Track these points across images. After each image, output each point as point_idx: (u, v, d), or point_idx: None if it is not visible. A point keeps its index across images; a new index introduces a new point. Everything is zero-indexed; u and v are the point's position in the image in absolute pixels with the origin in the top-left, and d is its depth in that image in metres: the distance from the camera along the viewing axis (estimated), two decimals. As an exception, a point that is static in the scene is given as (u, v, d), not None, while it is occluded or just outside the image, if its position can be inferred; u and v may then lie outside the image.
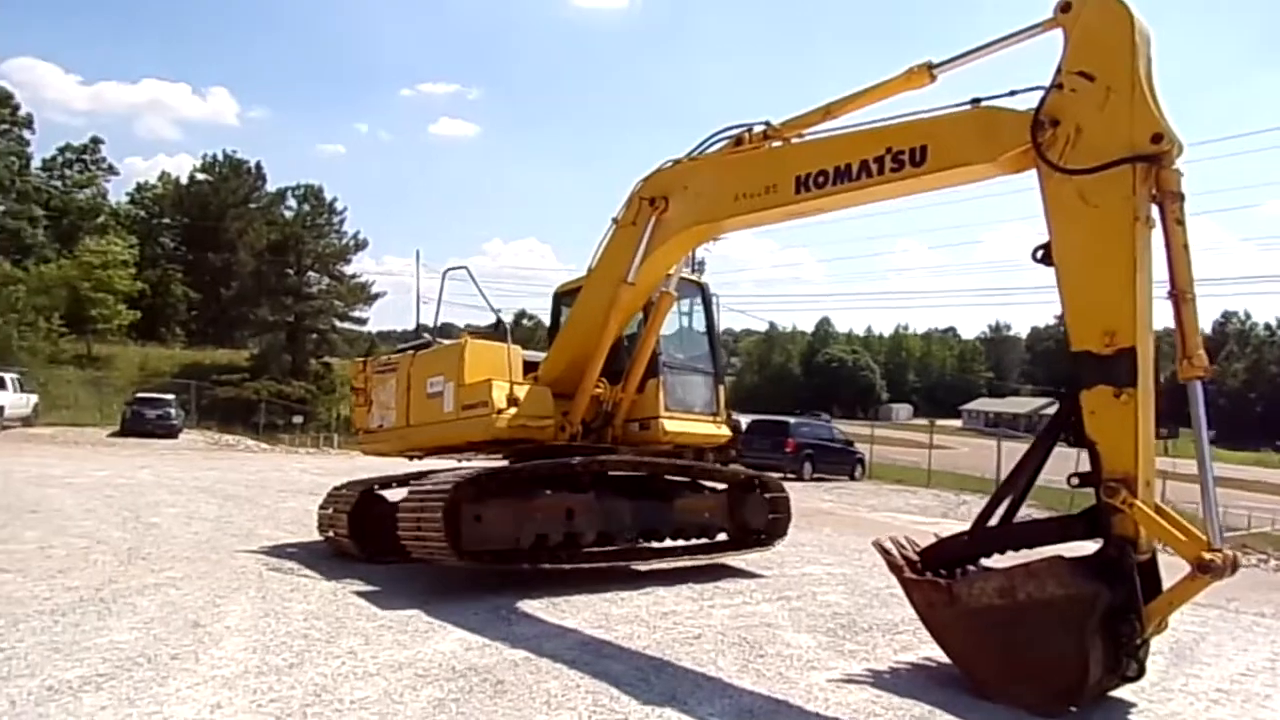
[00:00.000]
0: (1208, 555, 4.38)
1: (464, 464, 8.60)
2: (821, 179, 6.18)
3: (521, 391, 7.78)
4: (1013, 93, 5.31)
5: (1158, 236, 4.85)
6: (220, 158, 64.22)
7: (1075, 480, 4.94)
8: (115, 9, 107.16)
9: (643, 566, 8.27)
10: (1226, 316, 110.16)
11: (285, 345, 53.90)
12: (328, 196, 58.00)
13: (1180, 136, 4.88)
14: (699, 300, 9.07)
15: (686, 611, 6.69)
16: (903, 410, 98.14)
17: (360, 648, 5.17)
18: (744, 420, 29.16)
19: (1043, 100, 5.06)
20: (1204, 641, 6.82)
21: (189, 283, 61.74)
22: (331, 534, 8.35)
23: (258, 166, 63.55)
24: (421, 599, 6.48)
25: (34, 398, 28.74)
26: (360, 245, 58.81)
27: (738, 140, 6.93)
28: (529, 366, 8.36)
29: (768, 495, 8.68)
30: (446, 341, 8.59)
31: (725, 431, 8.98)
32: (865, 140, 5.98)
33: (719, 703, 4.52)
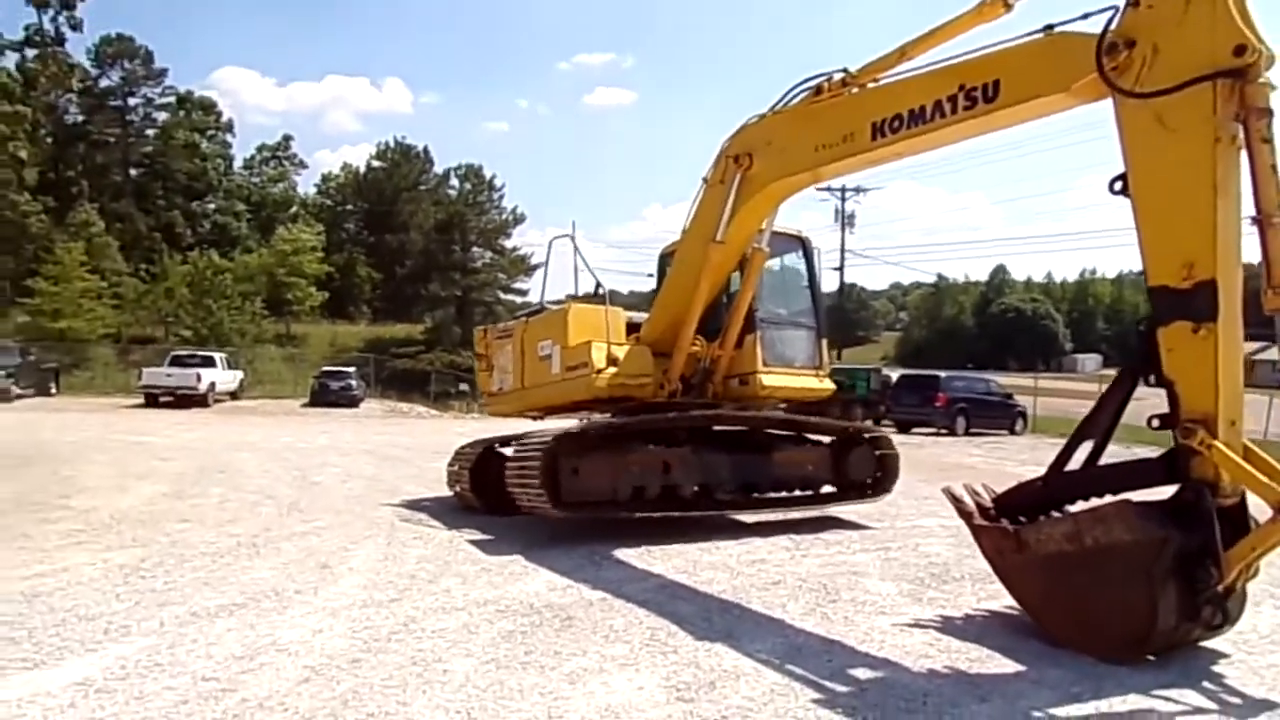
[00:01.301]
0: (1290, 499, 4.10)
1: (576, 420, 9.06)
2: (897, 123, 6.06)
3: (621, 351, 8.12)
4: (1086, 15, 5.00)
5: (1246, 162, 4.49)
6: (392, 144, 68.53)
7: (1156, 422, 4.69)
8: (300, 13, 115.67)
9: (749, 518, 8.48)
10: None
11: (455, 318, 57.21)
12: (487, 174, 60.62)
13: (1271, 46, 4.48)
14: (800, 254, 9.03)
15: (776, 560, 6.85)
16: (1090, 361, 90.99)
17: (456, 587, 5.73)
18: (893, 375, 28.46)
19: (1110, 20, 4.77)
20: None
21: (371, 263, 66.58)
22: (458, 489, 9.08)
23: (425, 150, 67.37)
24: (525, 546, 7.00)
25: (240, 374, 32.30)
26: (519, 219, 61.36)
27: (817, 90, 6.85)
28: (633, 328, 8.68)
29: (874, 448, 8.61)
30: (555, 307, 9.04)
31: (828, 385, 8.95)
32: (938, 79, 5.82)
33: (771, 640, 4.71)
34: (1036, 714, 3.79)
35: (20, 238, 52.58)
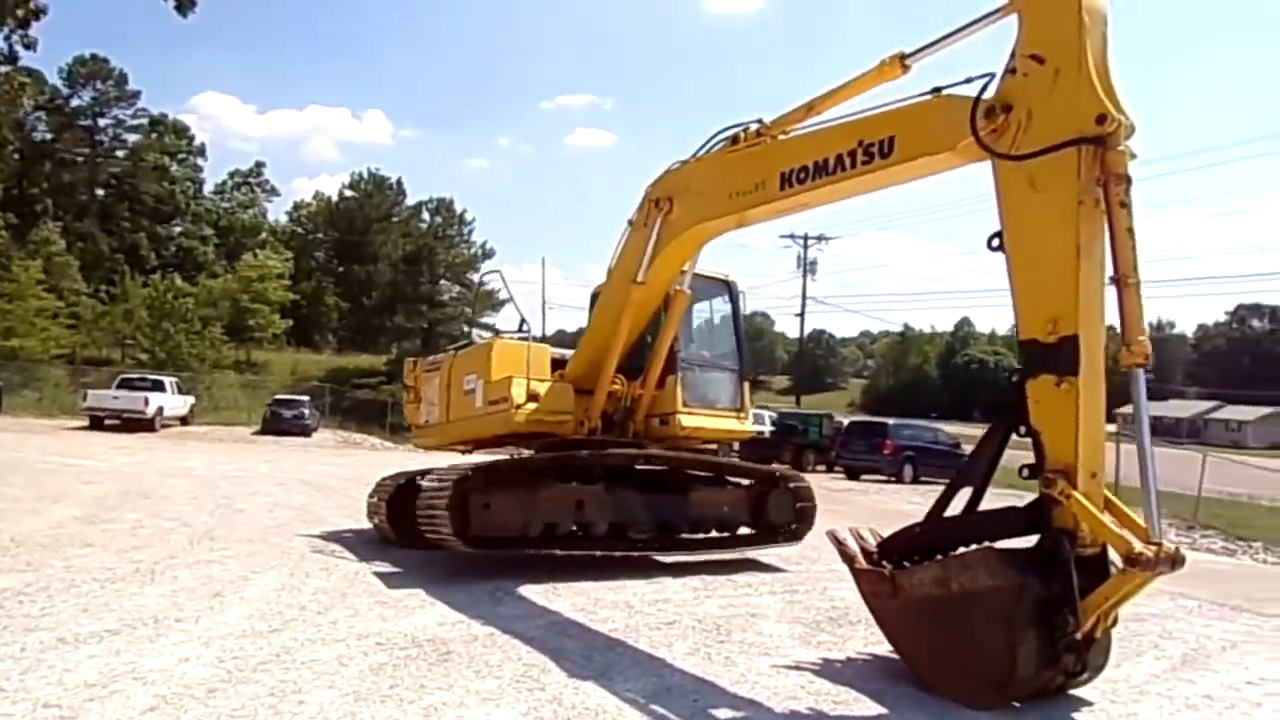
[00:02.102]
0: (1137, 548, 4.22)
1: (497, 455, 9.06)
2: (803, 174, 6.25)
3: (543, 388, 8.18)
4: (969, 80, 5.22)
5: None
6: (365, 175, 68.71)
7: (1026, 472, 4.83)
8: (286, 40, 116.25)
9: (666, 558, 8.51)
10: None
11: (420, 350, 56.91)
12: (458, 208, 60.86)
13: (1131, 116, 4.72)
14: (726, 298, 9.18)
15: (679, 600, 6.87)
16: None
17: (344, 619, 5.68)
18: (844, 421, 28.72)
19: (984, 86, 5.02)
20: (1234, 649, 6.39)
21: (339, 293, 66.33)
22: (375, 520, 9.02)
23: (398, 182, 67.68)
24: (430, 580, 6.96)
25: (191, 399, 31.81)
26: (487, 254, 61.59)
27: (734, 139, 7.04)
28: (559, 365, 8.74)
29: (792, 492, 8.69)
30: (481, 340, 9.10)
31: (748, 427, 9.07)
32: (839, 134, 6.03)
33: (644, 680, 4.72)
34: (879, 757, 3.84)
35: (-22, 254, 51.78)
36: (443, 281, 58.70)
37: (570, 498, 7.55)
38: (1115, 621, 4.71)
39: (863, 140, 5.80)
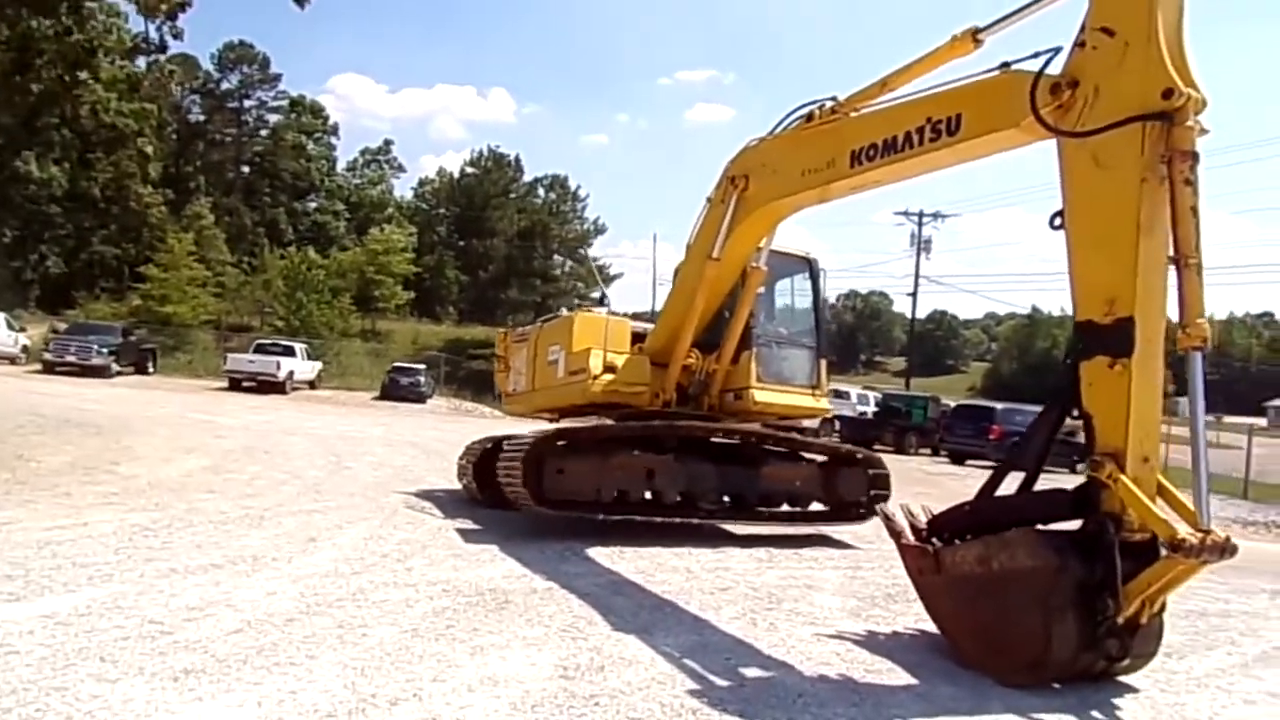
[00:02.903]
0: (1181, 534, 4.14)
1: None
2: (872, 151, 6.25)
3: (620, 360, 8.47)
4: (1036, 54, 5.13)
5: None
6: (485, 152, 70.76)
7: (1076, 457, 4.77)
8: (415, 23, 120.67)
9: (738, 530, 8.70)
10: None
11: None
12: (572, 184, 61.87)
13: (1203, 90, 4.54)
14: (807, 275, 9.19)
15: (740, 569, 7.05)
16: (1186, 404, 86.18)
17: (421, 567, 6.16)
18: (950, 404, 27.86)
19: (1046, 63, 4.93)
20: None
21: (459, 266, 68.82)
22: (464, 482, 9.56)
23: (516, 159, 69.42)
24: (506, 537, 7.39)
25: (318, 364, 33.96)
26: (599, 230, 62.55)
27: (809, 117, 7.07)
28: (640, 338, 9.01)
29: (868, 469, 8.69)
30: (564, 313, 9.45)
31: (824, 405, 9.09)
32: (908, 111, 6.00)
33: (684, 637, 4.95)
34: (895, 718, 3.95)
35: (141, 227, 56.52)
36: (556, 256, 60.07)
37: (641, 466, 7.82)
38: (1163, 609, 4.61)
39: (931, 117, 5.77)
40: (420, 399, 31.34)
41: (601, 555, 7.04)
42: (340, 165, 73.32)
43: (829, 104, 6.88)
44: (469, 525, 7.97)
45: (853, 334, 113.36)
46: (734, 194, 7.70)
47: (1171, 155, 4.43)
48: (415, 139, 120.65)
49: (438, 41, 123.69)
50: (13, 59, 12.23)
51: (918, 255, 38.12)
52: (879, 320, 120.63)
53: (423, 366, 34.82)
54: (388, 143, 76.10)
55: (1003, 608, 4.62)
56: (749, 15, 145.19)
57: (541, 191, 63.43)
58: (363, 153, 75.59)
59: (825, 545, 8.45)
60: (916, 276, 39.61)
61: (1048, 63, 4.92)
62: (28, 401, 16.88)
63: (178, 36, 15.31)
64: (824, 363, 9.08)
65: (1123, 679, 4.80)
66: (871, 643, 5.19)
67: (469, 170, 71.14)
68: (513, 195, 67.80)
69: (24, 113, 18.07)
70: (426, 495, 9.72)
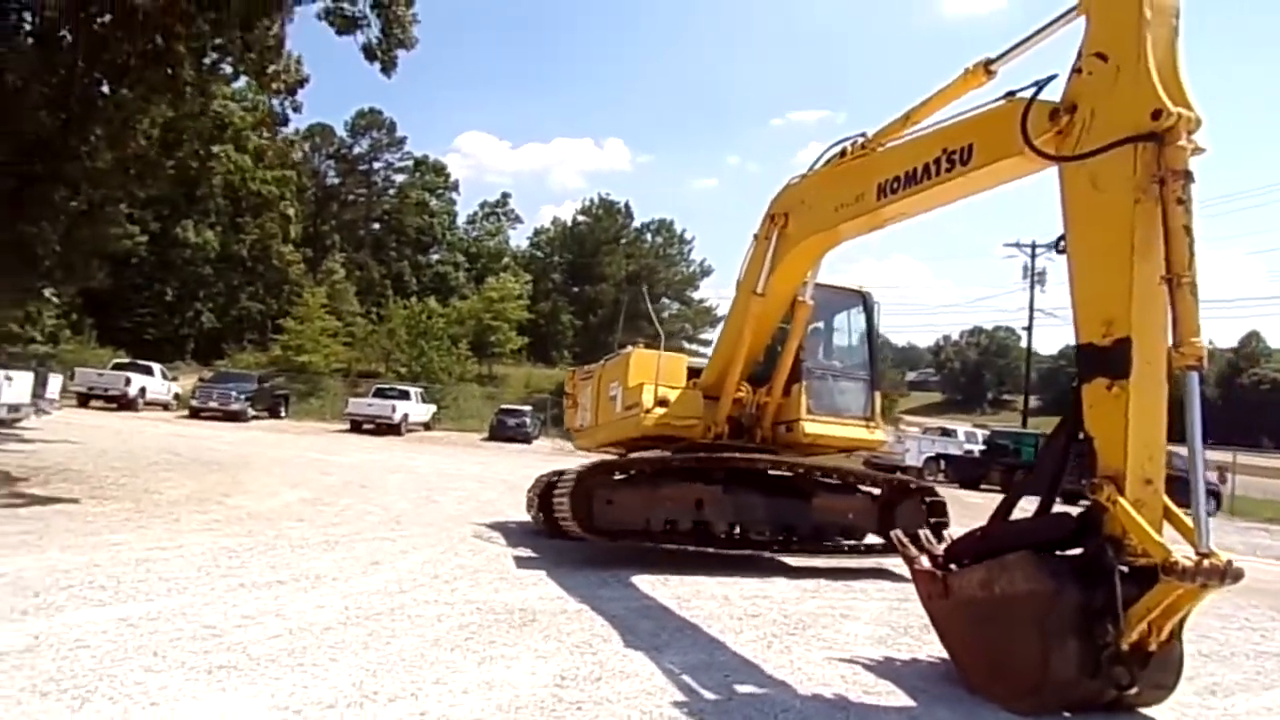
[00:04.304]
0: (1174, 558, 4.07)
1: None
2: (895, 184, 6.41)
3: (674, 394, 8.75)
4: (1035, 83, 5.22)
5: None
6: (596, 200, 72.90)
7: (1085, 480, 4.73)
8: (534, 81, 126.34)
9: (794, 562, 8.75)
10: None
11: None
12: (678, 229, 62.87)
13: (1198, 110, 4.52)
14: (860, 309, 9.25)
15: (780, 598, 7.13)
16: (1367, 441, 78.26)
17: (465, 588, 6.57)
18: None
19: (1037, 91, 5.04)
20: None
21: (573, 311, 70.80)
22: (531, 513, 9.99)
23: (626, 205, 71.22)
24: (557, 564, 7.73)
25: (432, 407, 35.65)
26: (706, 272, 63.04)
27: (842, 153, 7.26)
28: (694, 373, 9.28)
29: (924, 499, 8.59)
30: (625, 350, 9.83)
31: (878, 436, 9.04)
32: (926, 144, 6.15)
33: (692, 656, 5.13)
34: (876, 739, 4.02)
35: (282, 283, 61.09)
36: (664, 299, 61.02)
37: (691, 497, 8.03)
38: (1174, 637, 4.47)
39: (946, 148, 5.90)
40: (526, 439, 32.34)
41: (644, 582, 7.27)
42: (461, 219, 77.22)
43: (859, 140, 7.06)
44: (526, 553, 8.36)
45: (978, 372, 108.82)
46: (775, 231, 7.93)
47: (1164, 175, 4.43)
48: (536, 191, 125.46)
49: (556, 98, 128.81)
50: (158, 142, 13.81)
51: (1031, 288, 36.58)
52: (1005, 358, 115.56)
53: (528, 409, 35.94)
54: (505, 196, 79.67)
55: (1003, 632, 4.60)
56: (861, 54, 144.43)
57: (649, 236, 64.81)
58: (481, 206, 79.36)
59: (880, 578, 8.38)
60: (1031, 310, 37.97)
61: (1038, 91, 5.02)
62: (168, 443, 18.61)
63: (297, 110, 16.92)
64: (878, 395, 9.07)
65: (1145, 711, 4.67)
66: (883, 668, 5.21)
67: (580, 219, 73.45)
68: (623, 241, 69.44)
69: (177, 186, 20.07)
70: (499, 526, 10.20)
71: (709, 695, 4.42)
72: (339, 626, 5.17)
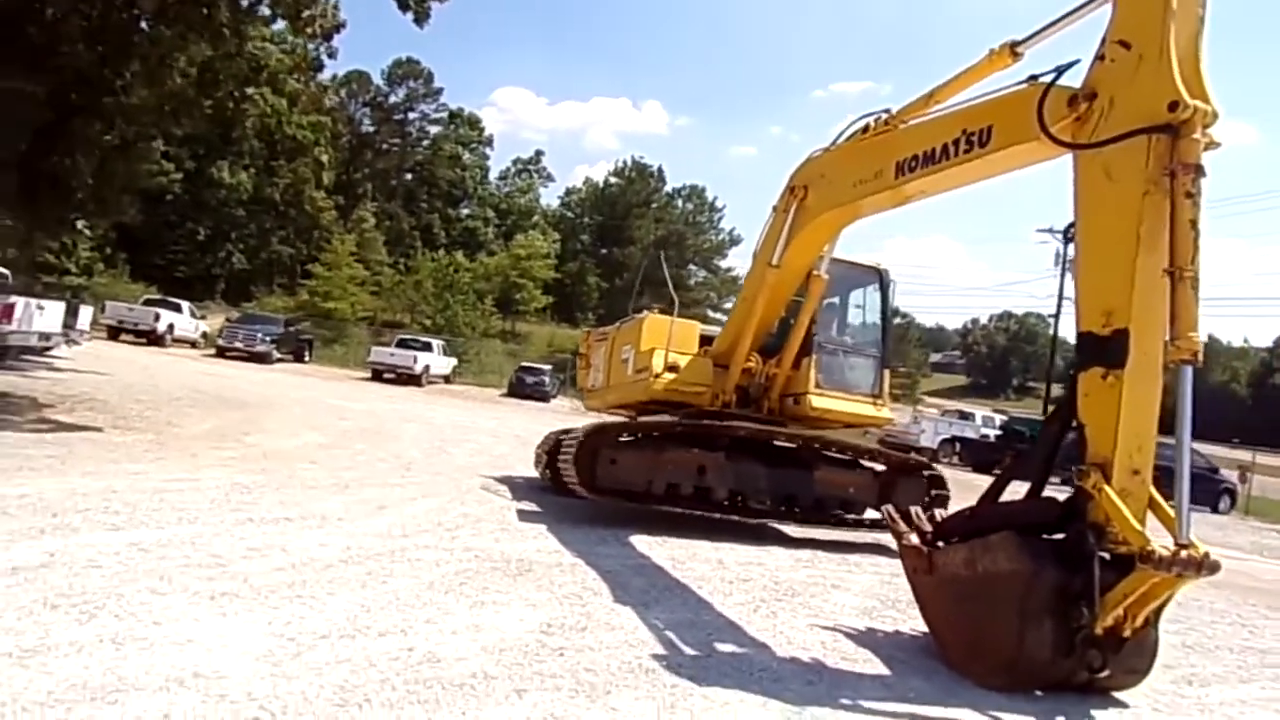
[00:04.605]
0: (1151, 546, 4.14)
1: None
2: (914, 163, 6.40)
3: (684, 361, 8.84)
4: (1057, 68, 5.19)
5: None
6: (629, 163, 72.50)
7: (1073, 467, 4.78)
8: (574, 38, 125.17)
9: (795, 533, 8.89)
10: None
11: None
12: (709, 196, 62.51)
13: (1215, 104, 4.49)
14: (876, 286, 9.25)
15: (774, 565, 7.26)
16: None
17: (466, 536, 6.75)
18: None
19: (1056, 76, 5.03)
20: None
21: (600, 273, 70.84)
22: (539, 469, 10.17)
23: (659, 170, 70.80)
24: (559, 520, 7.90)
25: (454, 360, 36.07)
26: (735, 241, 62.77)
27: (865, 129, 7.24)
28: (706, 341, 9.35)
29: (924, 478, 8.66)
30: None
31: (885, 414, 9.08)
32: (946, 124, 6.14)
33: (678, 614, 5.27)
34: (844, 700, 4.14)
35: (313, 229, 61.57)
36: (691, 266, 60.89)
37: (693, 462, 8.15)
38: (1148, 623, 4.54)
39: (965, 129, 5.89)
40: (544, 398, 32.68)
41: (641, 542, 7.42)
42: (493, 174, 77.17)
43: (883, 116, 7.03)
44: (530, 507, 8.55)
45: (1004, 357, 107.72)
46: (794, 203, 7.94)
47: (1175, 168, 4.41)
48: (570, 150, 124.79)
49: (596, 56, 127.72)
50: (194, 81, 13.94)
51: (1061, 274, 35.94)
52: (1034, 344, 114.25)
53: (548, 368, 36.23)
54: (538, 153, 79.58)
55: (983, 609, 4.69)
56: (908, 24, 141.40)
57: (680, 202, 64.51)
58: (514, 162, 79.21)
59: (876, 553, 8.48)
60: (1060, 297, 37.37)
61: (1057, 77, 5.00)
62: (193, 380, 19.00)
63: (333, 56, 17.00)
64: (887, 372, 9.10)
65: (1119, 695, 4.76)
66: (864, 638, 5.33)
67: (612, 180, 73.12)
68: (653, 205, 69.16)
69: (212, 127, 20.29)
70: (506, 480, 10.40)
71: (689, 651, 4.56)
72: (339, 564, 5.36)
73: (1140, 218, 4.50)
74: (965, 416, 31.54)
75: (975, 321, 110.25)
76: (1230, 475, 23.01)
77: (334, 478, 8.76)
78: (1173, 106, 4.42)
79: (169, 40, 12.01)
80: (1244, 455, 23.85)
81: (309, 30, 13.04)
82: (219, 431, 11.19)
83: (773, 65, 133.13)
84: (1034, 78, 5.35)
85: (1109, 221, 4.72)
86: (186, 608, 4.16)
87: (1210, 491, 22.10)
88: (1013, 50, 5.84)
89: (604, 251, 72.53)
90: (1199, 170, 4.40)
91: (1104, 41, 4.91)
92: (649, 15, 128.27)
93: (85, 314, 19.41)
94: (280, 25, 16.28)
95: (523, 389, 32.95)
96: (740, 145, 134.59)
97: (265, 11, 13.30)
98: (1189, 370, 4.32)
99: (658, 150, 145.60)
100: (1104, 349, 4.58)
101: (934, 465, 9.07)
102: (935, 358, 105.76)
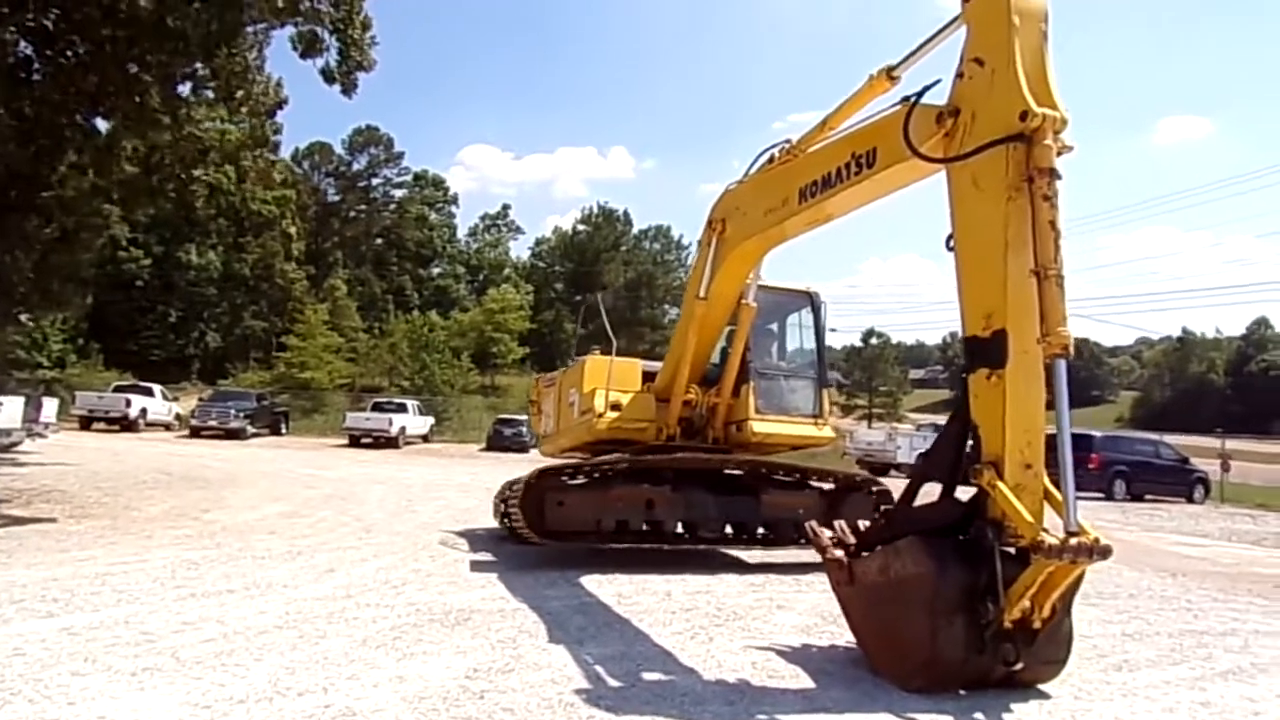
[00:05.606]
0: (1041, 536, 4.28)
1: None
2: (814, 188, 6.63)
3: (626, 398, 8.97)
4: (926, 88, 5.45)
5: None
6: (595, 209, 73.37)
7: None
8: (537, 92, 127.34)
9: (752, 559, 8.96)
10: None
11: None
12: (675, 235, 63.28)
13: (1064, 109, 4.74)
14: (808, 310, 9.45)
15: (723, 593, 7.33)
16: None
17: (412, 591, 6.79)
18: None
19: (918, 96, 5.28)
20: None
21: (575, 320, 71.15)
22: (498, 519, 10.22)
23: (625, 213, 71.66)
24: (512, 568, 7.95)
25: (430, 420, 36.02)
26: (707, 277, 63.20)
27: (771, 159, 7.48)
28: (649, 377, 9.50)
29: (872, 494, 8.78)
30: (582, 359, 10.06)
31: (827, 433, 9.23)
32: (837, 148, 6.38)
33: (610, 648, 5.32)
34: (761, 715, 4.22)
35: (285, 301, 61.72)
36: (664, 305, 61.40)
37: (641, 497, 8.24)
38: (1055, 614, 4.65)
39: (854, 152, 6.13)
40: (523, 449, 32.57)
41: (591, 581, 7.48)
42: (462, 231, 77.80)
43: (786, 146, 7.28)
44: (485, 557, 8.59)
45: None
46: (714, 237, 8.15)
47: (1032, 173, 4.65)
48: (540, 201, 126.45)
49: (559, 108, 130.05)
50: (140, 165, 14.18)
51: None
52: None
53: (525, 418, 36.15)
54: (505, 207, 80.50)
55: (897, 613, 4.80)
56: (860, 55, 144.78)
57: (647, 243, 65.31)
58: (482, 218, 79.94)
59: (831, 572, 8.55)
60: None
61: (918, 98, 5.26)
62: (162, 462, 18.93)
63: (277, 132, 17.41)
64: (826, 393, 9.27)
65: (1043, 687, 4.86)
66: (797, 655, 5.40)
67: (580, 227, 73.87)
68: (623, 248, 69.85)
69: (165, 209, 20.51)
70: (468, 534, 10.43)
71: (613, 683, 4.63)
72: (274, 630, 5.39)
73: (1007, 222, 4.72)
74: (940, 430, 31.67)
75: (954, 335, 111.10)
76: (1202, 465, 23.28)
77: (288, 546, 8.77)
78: (1023, 116, 4.67)
79: (112, 131, 12.25)
80: (1224, 444, 24.23)
81: (243, 110, 13.33)
82: (177, 511, 11.18)
83: (731, 102, 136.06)
84: (907, 99, 5.61)
85: (981, 229, 4.93)
86: (105, 686, 4.20)
87: (1183, 483, 22.33)
88: (889, 74, 6.08)
89: (578, 298, 72.88)
90: (1054, 174, 4.63)
91: (962, 59, 5.18)
92: (610, 64, 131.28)
93: (50, 406, 19.37)
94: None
95: (501, 441, 32.96)
96: (706, 183, 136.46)
97: (209, 94, 13.61)
98: (1062, 364, 4.51)
99: (626, 194, 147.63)
100: (987, 350, 4.76)
101: (880, 481, 9.17)
102: (918, 373, 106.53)
